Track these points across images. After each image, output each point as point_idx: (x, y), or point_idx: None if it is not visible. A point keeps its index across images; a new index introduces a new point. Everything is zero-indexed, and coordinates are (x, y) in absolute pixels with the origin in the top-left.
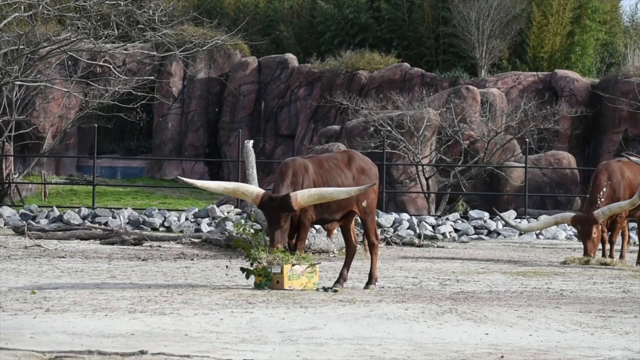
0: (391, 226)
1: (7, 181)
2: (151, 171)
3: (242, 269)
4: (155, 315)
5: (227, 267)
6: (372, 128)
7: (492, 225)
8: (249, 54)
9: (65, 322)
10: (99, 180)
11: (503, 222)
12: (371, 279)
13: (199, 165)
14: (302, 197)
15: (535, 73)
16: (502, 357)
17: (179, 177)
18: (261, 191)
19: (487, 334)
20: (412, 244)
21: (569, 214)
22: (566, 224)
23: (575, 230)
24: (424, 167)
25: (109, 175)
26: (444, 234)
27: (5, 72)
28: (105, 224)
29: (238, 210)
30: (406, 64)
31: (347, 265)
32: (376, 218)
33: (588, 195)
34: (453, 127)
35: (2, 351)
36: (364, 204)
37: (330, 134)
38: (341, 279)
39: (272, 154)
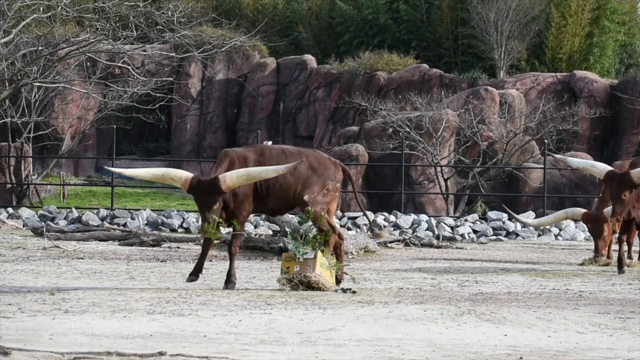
0: (410, 227)
1: (26, 182)
2: None
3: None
4: (174, 317)
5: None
6: (390, 129)
7: (511, 226)
8: (268, 55)
9: (84, 323)
10: (117, 181)
11: (517, 221)
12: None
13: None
14: (231, 178)
15: (554, 74)
16: (520, 358)
17: (106, 167)
18: (190, 175)
19: (505, 335)
20: (430, 245)
21: (580, 210)
22: (581, 223)
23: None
24: (443, 168)
25: (126, 177)
26: (462, 235)
27: (24, 73)
28: (124, 225)
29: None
30: (425, 65)
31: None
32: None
33: (600, 194)
34: (472, 128)
35: (21, 352)
36: (306, 197)
37: (349, 135)
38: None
39: None
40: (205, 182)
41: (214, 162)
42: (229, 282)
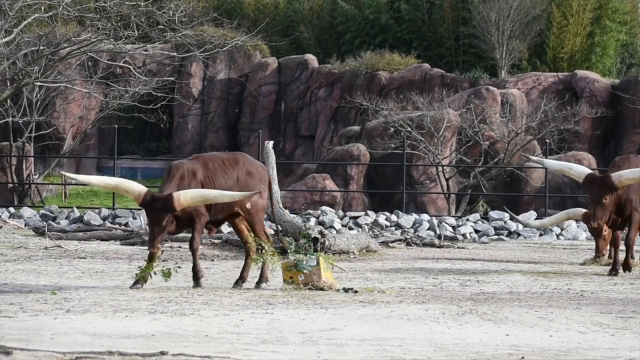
0: (411, 227)
1: (27, 182)
2: None
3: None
4: (175, 316)
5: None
6: (392, 129)
7: (513, 226)
8: (269, 54)
9: (86, 322)
10: None
11: (518, 222)
12: (262, 278)
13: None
14: (185, 197)
15: (555, 74)
16: (522, 358)
17: (62, 172)
18: (144, 189)
19: (507, 334)
20: (432, 245)
21: (581, 210)
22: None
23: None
24: (444, 167)
25: (129, 176)
26: (464, 235)
27: (25, 73)
28: (126, 224)
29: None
30: (426, 65)
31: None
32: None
33: None
34: (473, 128)
35: (23, 352)
36: (248, 205)
37: (350, 134)
38: (240, 280)
39: (292, 155)
40: (159, 199)
41: (166, 176)
42: (196, 279)
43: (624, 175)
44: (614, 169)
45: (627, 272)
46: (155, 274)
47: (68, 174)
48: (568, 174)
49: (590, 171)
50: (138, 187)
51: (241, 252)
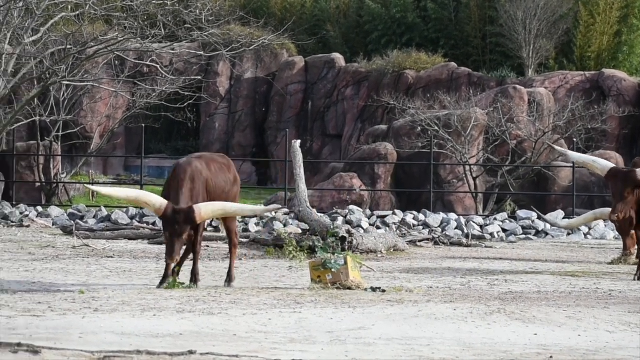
0: (439, 226)
1: (55, 181)
2: None
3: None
4: (203, 315)
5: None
6: (419, 128)
7: (540, 225)
8: (296, 53)
9: (114, 322)
10: (146, 179)
11: (546, 222)
12: (230, 279)
13: (246, 166)
14: (206, 211)
15: (582, 73)
16: (550, 357)
17: (86, 185)
18: (164, 202)
19: (535, 334)
20: (460, 244)
21: (608, 210)
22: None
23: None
24: (472, 167)
25: (156, 175)
26: (491, 234)
27: (52, 72)
28: (153, 223)
29: (286, 210)
30: (453, 64)
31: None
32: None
33: None
34: (500, 127)
35: (51, 351)
36: None
37: (377, 133)
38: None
39: (319, 153)
40: (180, 212)
41: (175, 178)
42: (196, 280)
43: None
44: (634, 166)
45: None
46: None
47: (90, 186)
48: (592, 168)
49: (613, 165)
50: (159, 200)
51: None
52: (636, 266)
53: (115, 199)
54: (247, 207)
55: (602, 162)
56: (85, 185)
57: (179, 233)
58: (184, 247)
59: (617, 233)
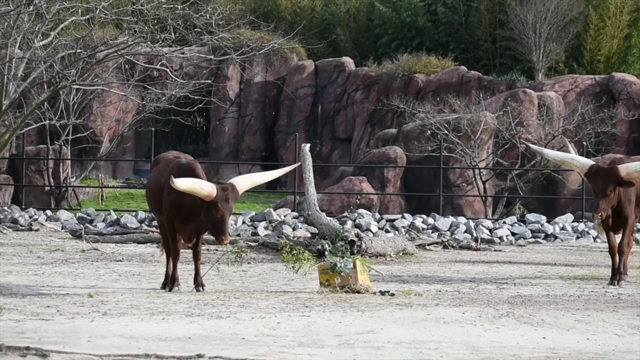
0: (448, 230)
1: (64, 185)
2: (208, 175)
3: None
4: (212, 319)
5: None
6: (429, 131)
7: (550, 228)
8: (306, 57)
9: (123, 325)
10: None
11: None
12: (198, 281)
13: (255, 169)
14: (243, 183)
15: (592, 76)
16: None
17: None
18: (213, 186)
19: (544, 337)
20: (469, 248)
21: None
22: None
23: None
24: (481, 170)
25: None
26: (501, 238)
27: (62, 76)
28: None
29: (295, 213)
30: (463, 68)
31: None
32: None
33: None
34: (510, 131)
35: (59, 354)
36: None
37: (387, 137)
38: (175, 282)
39: (329, 157)
40: (226, 190)
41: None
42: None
43: (631, 167)
44: (612, 164)
45: (617, 281)
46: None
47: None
48: (569, 166)
49: (593, 162)
50: (207, 185)
51: (277, 255)
52: None
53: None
54: (269, 173)
55: (581, 160)
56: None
57: (230, 211)
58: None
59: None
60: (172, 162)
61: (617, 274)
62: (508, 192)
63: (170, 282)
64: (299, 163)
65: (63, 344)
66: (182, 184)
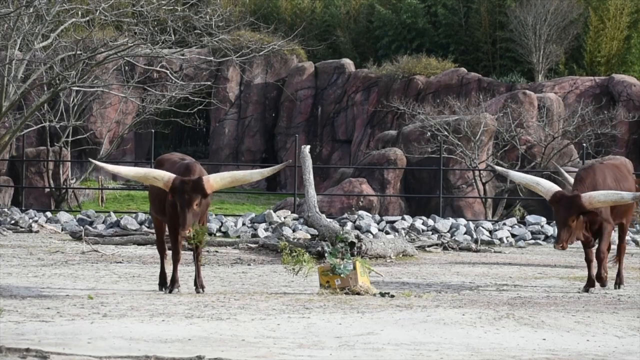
0: (448, 231)
1: (64, 186)
2: None
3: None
4: (212, 321)
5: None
6: (429, 133)
7: (549, 230)
8: (306, 59)
9: (123, 327)
10: None
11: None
12: (198, 283)
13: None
14: (215, 180)
15: (592, 78)
16: None
17: (90, 159)
18: (172, 175)
19: (544, 339)
20: (469, 249)
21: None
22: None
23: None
24: (481, 172)
25: None
26: (501, 239)
27: (62, 77)
28: None
29: (295, 215)
30: (463, 69)
31: (176, 269)
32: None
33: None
34: (510, 132)
35: (59, 356)
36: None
37: (387, 138)
38: (175, 284)
39: (328, 159)
40: (189, 181)
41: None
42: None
43: (595, 198)
44: (578, 183)
45: (603, 287)
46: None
47: (96, 162)
48: (535, 190)
49: (558, 189)
50: (167, 174)
51: (278, 257)
52: None
53: (125, 177)
54: (255, 171)
55: (546, 185)
56: (92, 161)
57: (188, 202)
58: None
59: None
60: (177, 163)
61: (592, 282)
62: (508, 193)
63: (170, 283)
64: (286, 163)
65: (63, 346)
66: (137, 171)
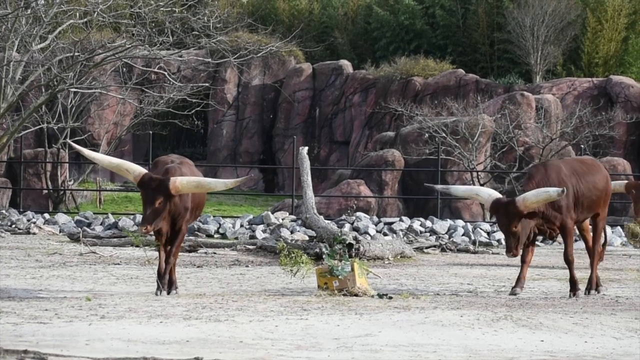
0: (446, 233)
1: (62, 188)
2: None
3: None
4: (210, 322)
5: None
6: (426, 134)
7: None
8: (304, 60)
9: (121, 328)
10: None
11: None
12: (172, 285)
13: (253, 172)
14: (181, 182)
15: (590, 79)
16: None
17: (68, 141)
18: (143, 171)
19: (542, 340)
20: (467, 251)
21: (622, 182)
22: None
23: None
24: (479, 173)
25: None
26: (498, 241)
27: (60, 79)
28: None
29: (293, 217)
30: (461, 70)
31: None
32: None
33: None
34: (508, 134)
35: (57, 358)
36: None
37: (385, 140)
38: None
39: (326, 160)
40: (156, 179)
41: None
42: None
43: (528, 199)
44: (526, 182)
45: (574, 293)
46: None
47: (76, 145)
48: (476, 200)
49: (497, 196)
50: (138, 169)
51: (276, 258)
52: None
53: (99, 163)
54: (220, 181)
55: (484, 194)
56: (70, 142)
57: (152, 200)
58: (163, 220)
59: (623, 239)
60: (166, 164)
61: (518, 281)
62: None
63: (167, 284)
64: (248, 177)
65: (61, 347)
66: (111, 160)
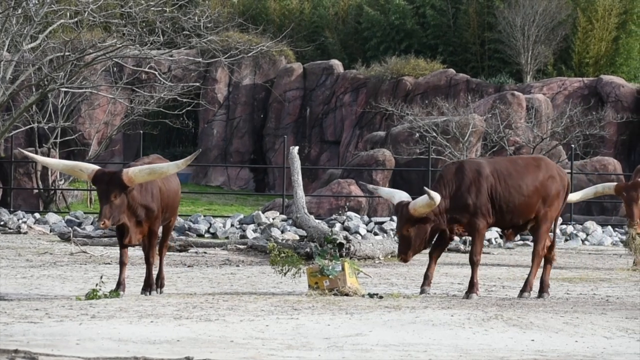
0: None
1: (52, 188)
2: (196, 177)
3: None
4: (200, 322)
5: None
6: (417, 134)
7: None
8: (294, 60)
9: (111, 328)
10: None
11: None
12: (160, 284)
13: (244, 172)
14: (134, 172)
15: (580, 79)
16: None
17: (20, 149)
18: (96, 167)
19: (533, 340)
20: (457, 251)
21: (611, 184)
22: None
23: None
24: None
25: None
26: (489, 240)
27: (50, 78)
28: None
29: (283, 216)
30: (451, 70)
31: (149, 273)
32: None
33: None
34: (498, 133)
35: (48, 357)
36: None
37: (375, 140)
38: (150, 286)
39: (317, 160)
40: (108, 173)
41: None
42: (151, 288)
43: (418, 203)
44: (437, 181)
45: (468, 295)
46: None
47: (25, 152)
48: (393, 201)
49: (402, 200)
50: (91, 166)
51: (266, 258)
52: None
53: (53, 168)
54: (172, 163)
55: (396, 197)
56: (21, 151)
57: (106, 194)
58: (121, 215)
59: (614, 239)
60: None
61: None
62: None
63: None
64: (198, 152)
65: (52, 347)
66: (65, 163)
